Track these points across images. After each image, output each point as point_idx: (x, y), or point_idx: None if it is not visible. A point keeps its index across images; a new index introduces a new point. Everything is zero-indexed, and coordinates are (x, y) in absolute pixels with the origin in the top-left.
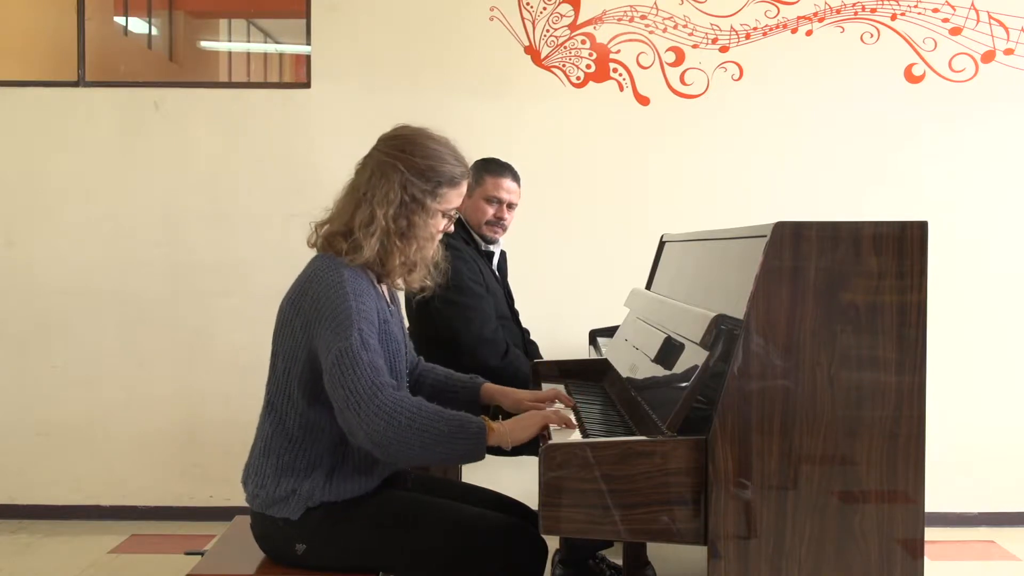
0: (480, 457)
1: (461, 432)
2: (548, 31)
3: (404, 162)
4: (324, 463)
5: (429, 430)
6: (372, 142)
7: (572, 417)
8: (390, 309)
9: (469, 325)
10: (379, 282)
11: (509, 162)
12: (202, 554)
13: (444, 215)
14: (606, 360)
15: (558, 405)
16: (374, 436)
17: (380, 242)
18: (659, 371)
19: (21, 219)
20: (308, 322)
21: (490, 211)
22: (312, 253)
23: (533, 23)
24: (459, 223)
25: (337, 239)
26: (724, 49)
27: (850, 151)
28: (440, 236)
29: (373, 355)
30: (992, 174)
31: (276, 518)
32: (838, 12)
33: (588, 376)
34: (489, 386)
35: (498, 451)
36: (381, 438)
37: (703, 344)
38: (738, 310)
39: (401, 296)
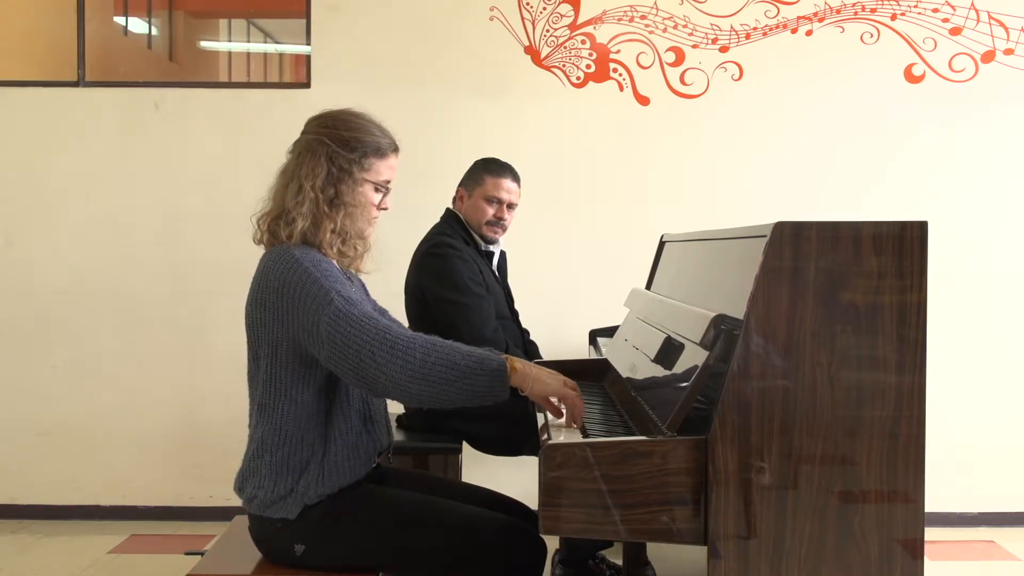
0: (504, 396)
1: (481, 367)
2: (548, 31)
3: (328, 135)
4: (316, 453)
5: (447, 364)
6: None
7: (583, 412)
8: (352, 284)
9: (469, 325)
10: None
11: (509, 162)
12: (202, 554)
13: (376, 188)
14: (606, 360)
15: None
16: (395, 378)
17: (311, 212)
18: (659, 371)
19: (21, 219)
20: (278, 312)
21: (490, 211)
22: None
23: (533, 23)
24: (459, 223)
25: (277, 226)
26: (724, 49)
27: (850, 151)
28: (375, 211)
29: (362, 306)
30: (992, 174)
31: (274, 519)
32: (838, 12)
33: (588, 376)
34: (509, 358)
35: (492, 446)
36: (401, 377)
37: (703, 344)
38: (738, 310)
39: (397, 291)
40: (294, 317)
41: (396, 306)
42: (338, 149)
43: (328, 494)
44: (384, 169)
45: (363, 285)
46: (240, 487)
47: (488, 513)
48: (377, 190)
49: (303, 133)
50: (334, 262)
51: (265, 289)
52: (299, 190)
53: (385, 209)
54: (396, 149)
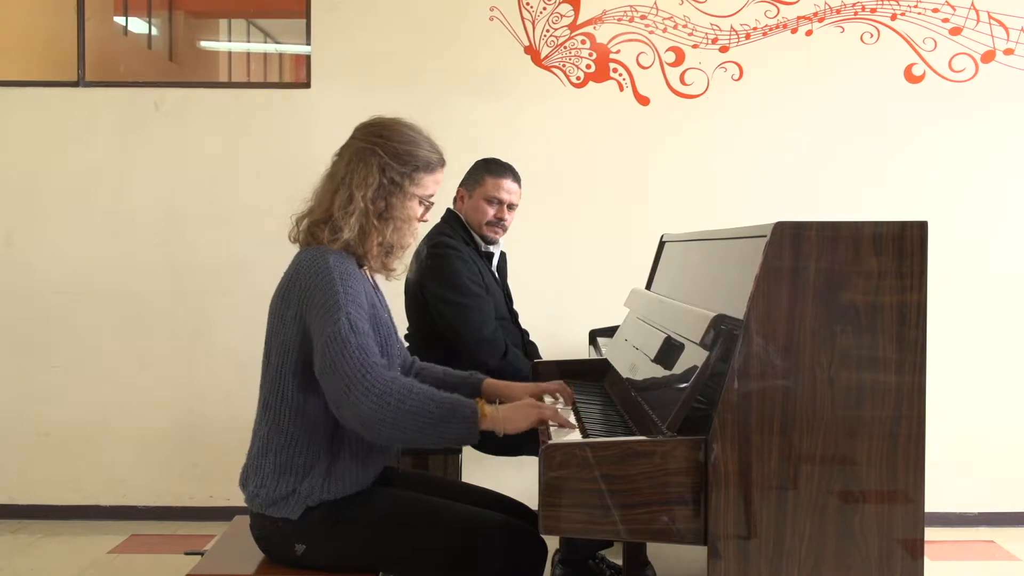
0: (473, 441)
1: (453, 415)
2: (548, 31)
3: (382, 146)
4: (322, 459)
5: (419, 412)
6: None
7: (571, 418)
8: (377, 294)
9: (468, 325)
10: (360, 266)
11: (509, 162)
12: (202, 554)
13: (421, 202)
14: (606, 360)
15: (560, 403)
16: (364, 417)
17: (359, 223)
18: (659, 371)
19: (21, 219)
20: (299, 313)
21: (490, 211)
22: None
23: (533, 23)
24: (459, 223)
25: (319, 228)
26: (724, 49)
27: (850, 151)
28: (417, 223)
29: (362, 337)
30: (992, 174)
31: (275, 518)
32: (838, 12)
33: (588, 376)
34: (490, 381)
35: (492, 446)
36: (371, 419)
37: (703, 344)
38: (738, 310)
39: (400, 292)
40: (309, 320)
41: (397, 307)
42: (390, 161)
43: (331, 499)
44: (431, 184)
45: (383, 297)
46: (243, 483)
47: (488, 513)
48: (421, 203)
49: (352, 139)
50: (367, 274)
51: (293, 286)
52: (349, 199)
53: (425, 222)
54: (444, 164)
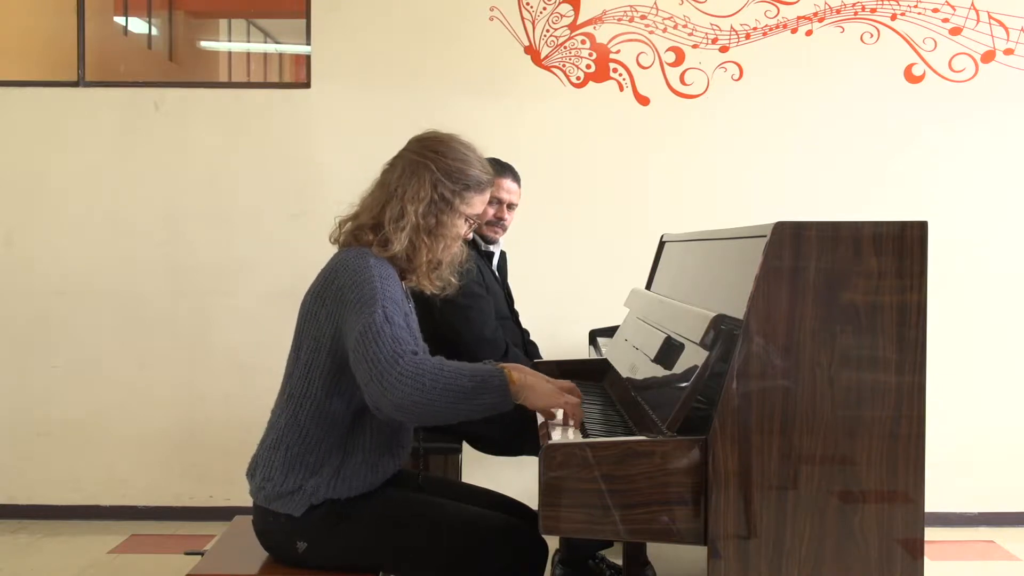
0: (508, 407)
1: (484, 387)
2: (548, 31)
3: (435, 162)
4: (332, 460)
5: (453, 388)
6: (372, 142)
7: (582, 419)
8: (410, 305)
9: (469, 325)
10: (402, 278)
11: (509, 162)
12: (202, 554)
13: (467, 220)
14: (606, 360)
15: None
16: (400, 403)
17: (409, 238)
18: (659, 371)
19: (21, 219)
20: (333, 311)
21: (490, 211)
22: (332, 250)
23: (533, 23)
24: None
25: (364, 233)
26: (724, 49)
27: (850, 151)
28: (461, 241)
29: (396, 328)
30: (992, 174)
31: (279, 513)
32: (838, 12)
33: (588, 376)
34: (504, 365)
35: (493, 446)
36: (407, 403)
37: (703, 344)
38: (738, 310)
39: None
40: (344, 316)
41: None
42: (442, 178)
43: (335, 499)
44: (479, 204)
45: (413, 309)
46: (251, 473)
47: (488, 513)
48: (466, 221)
49: (405, 150)
50: (403, 285)
51: (330, 285)
52: (402, 213)
53: (468, 240)
54: (492, 184)
